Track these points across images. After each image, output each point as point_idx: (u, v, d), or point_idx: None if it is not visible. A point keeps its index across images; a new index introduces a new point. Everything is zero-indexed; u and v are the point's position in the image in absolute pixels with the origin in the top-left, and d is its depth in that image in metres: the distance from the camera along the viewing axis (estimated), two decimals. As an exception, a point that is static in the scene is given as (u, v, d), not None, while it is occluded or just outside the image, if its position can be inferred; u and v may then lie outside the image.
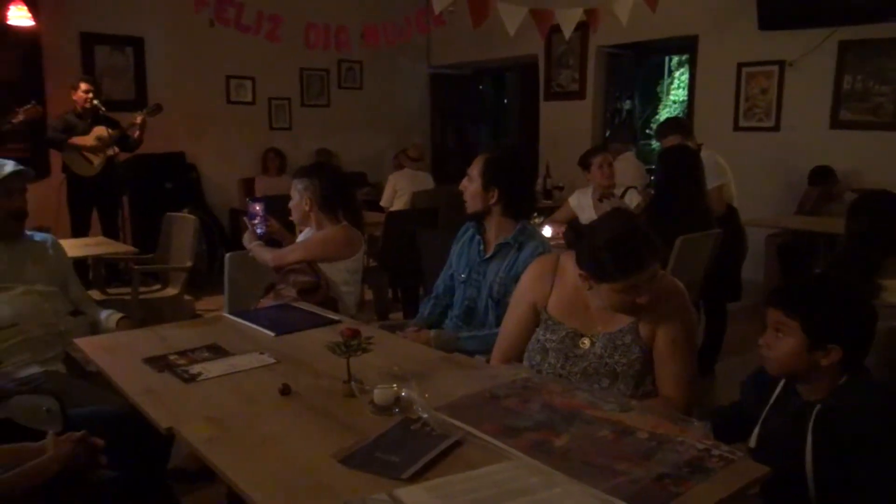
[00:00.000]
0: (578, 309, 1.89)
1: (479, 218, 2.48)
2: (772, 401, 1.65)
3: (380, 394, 1.53)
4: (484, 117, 9.30)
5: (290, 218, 3.01)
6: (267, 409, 1.57)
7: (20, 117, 4.58)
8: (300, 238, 2.95)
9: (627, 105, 7.63)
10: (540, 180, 6.60)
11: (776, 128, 5.76)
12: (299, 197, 2.82)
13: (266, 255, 2.82)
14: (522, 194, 2.47)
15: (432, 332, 2.37)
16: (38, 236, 2.61)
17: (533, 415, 1.47)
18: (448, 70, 8.48)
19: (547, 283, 1.96)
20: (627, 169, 5.06)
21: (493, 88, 9.34)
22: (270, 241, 2.99)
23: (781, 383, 1.65)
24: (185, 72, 6.60)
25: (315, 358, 1.89)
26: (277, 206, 3.17)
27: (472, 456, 1.33)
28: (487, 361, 2.09)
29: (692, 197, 3.53)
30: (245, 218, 2.99)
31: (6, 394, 1.97)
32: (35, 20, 5.44)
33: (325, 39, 5.69)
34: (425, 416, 1.45)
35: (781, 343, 1.56)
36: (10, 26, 5.36)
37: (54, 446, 1.53)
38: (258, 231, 2.93)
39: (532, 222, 2.70)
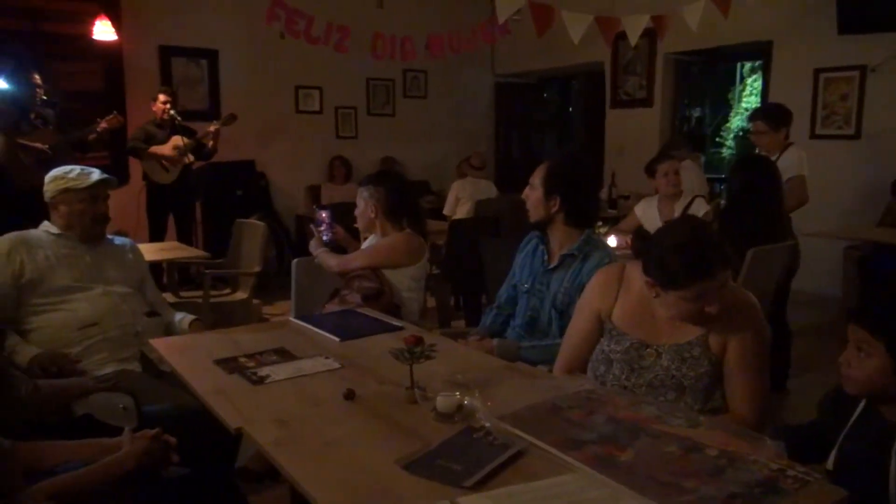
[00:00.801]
0: (644, 319, 1.85)
1: (542, 227, 2.46)
2: (851, 421, 1.57)
3: (443, 401, 1.53)
4: (549, 125, 9.24)
5: (355, 225, 3.06)
6: (332, 413, 1.60)
7: (103, 126, 4.80)
8: (365, 245, 3.00)
9: (697, 113, 7.45)
10: (605, 189, 6.51)
11: (857, 135, 5.52)
12: (365, 204, 2.86)
13: (332, 262, 2.88)
14: (585, 202, 2.44)
15: (495, 341, 2.36)
16: (118, 240, 2.73)
17: (597, 427, 1.44)
18: (513, 78, 8.47)
19: (612, 293, 1.92)
20: (690, 177, 4.94)
21: (558, 96, 9.27)
22: (336, 247, 3.04)
23: (862, 403, 1.57)
24: (257, 82, 6.81)
25: (378, 364, 1.91)
26: (343, 214, 3.23)
27: (534, 467, 1.32)
28: (550, 371, 2.07)
29: (768, 208, 3.42)
30: (312, 225, 3.06)
31: (87, 391, 2.06)
32: (118, 34, 5.71)
33: (391, 49, 5.76)
34: (488, 424, 1.45)
35: (864, 363, 1.49)
36: (94, 40, 5.64)
37: (130, 442, 1.59)
38: (324, 238, 2.98)
39: (597, 232, 2.66)
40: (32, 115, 4.54)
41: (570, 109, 9.22)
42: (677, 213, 3.86)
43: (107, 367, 2.37)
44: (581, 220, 2.41)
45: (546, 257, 2.44)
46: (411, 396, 1.63)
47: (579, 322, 1.98)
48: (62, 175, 2.47)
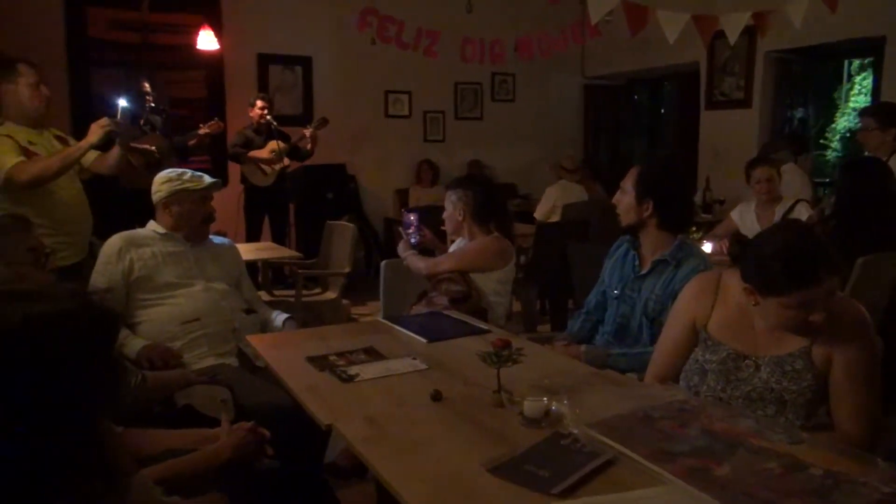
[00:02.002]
0: (742, 329, 1.77)
1: (634, 232, 2.40)
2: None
3: (530, 406, 1.52)
4: (639, 128, 9.02)
5: (443, 228, 3.09)
6: (419, 413, 1.61)
7: (204, 131, 5.05)
8: (452, 248, 3.01)
9: (799, 113, 7.09)
10: (699, 193, 6.29)
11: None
12: (453, 208, 2.88)
13: (419, 264, 2.91)
14: (678, 206, 2.37)
15: (583, 347, 2.32)
16: (218, 239, 2.86)
17: (691, 439, 1.39)
18: (602, 80, 8.32)
19: (708, 301, 1.85)
20: (792, 181, 4.70)
21: (650, 98, 9.03)
22: (423, 250, 3.08)
23: None
24: (348, 88, 6.98)
25: (465, 366, 1.91)
26: (430, 217, 3.26)
27: (623, 477, 1.28)
28: (640, 380, 2.02)
29: (879, 213, 3.21)
30: (400, 227, 3.10)
31: (188, 383, 2.17)
32: (220, 44, 5.99)
33: (480, 53, 5.78)
34: (576, 431, 1.42)
35: None
36: (198, 50, 5.94)
37: (228, 434, 1.66)
38: (412, 240, 3.02)
39: (690, 237, 2.57)
40: (142, 122, 4.83)
41: (662, 111, 8.97)
42: (777, 218, 3.69)
43: (206, 360, 2.48)
44: (674, 225, 2.34)
45: (637, 263, 2.38)
46: (498, 400, 1.62)
47: (672, 330, 1.92)
48: (176, 177, 2.61)
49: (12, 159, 2.79)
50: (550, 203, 5.72)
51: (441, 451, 1.42)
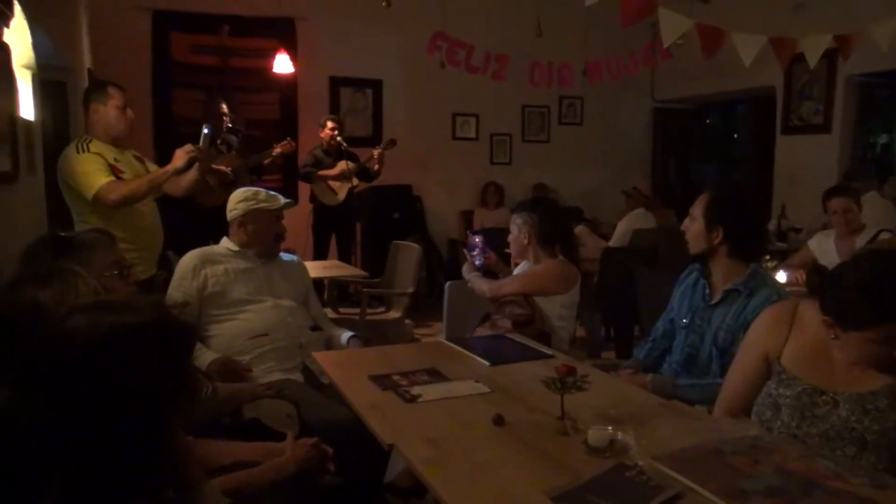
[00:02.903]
0: (820, 363, 1.70)
1: (704, 259, 2.34)
2: None
3: (594, 434, 1.49)
4: (710, 153, 8.81)
5: (507, 250, 3.08)
6: (481, 437, 1.60)
7: (277, 151, 5.21)
8: (517, 271, 3.00)
9: (883, 139, 6.79)
10: (773, 221, 6.08)
11: None
12: (518, 230, 2.87)
13: (483, 286, 2.91)
14: (750, 234, 2.30)
15: (649, 376, 2.27)
16: (286, 257, 2.93)
17: (764, 477, 1.34)
18: (673, 104, 8.19)
19: (782, 332, 1.78)
20: (875, 210, 4.49)
21: (722, 122, 8.82)
22: (488, 272, 3.08)
23: None
24: (416, 110, 7.09)
25: (528, 391, 1.89)
26: (495, 239, 3.26)
27: (692, 513, 1.24)
28: (709, 413, 1.95)
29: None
30: (465, 249, 3.11)
31: (256, 396, 2.22)
32: (294, 67, 6.19)
33: (548, 77, 5.79)
34: (641, 463, 1.39)
35: None
36: (274, 73, 6.15)
37: (292, 448, 1.69)
38: (477, 262, 3.03)
39: (764, 266, 2.49)
40: (219, 142, 5.02)
41: (735, 136, 8.74)
42: (858, 249, 3.52)
43: (273, 375, 2.53)
44: (747, 253, 2.27)
45: (707, 291, 2.31)
46: (562, 427, 1.60)
47: (744, 362, 1.85)
48: (252, 196, 2.71)
49: (103, 179, 2.94)
50: (622, 232, 5.60)
51: (503, 476, 1.41)
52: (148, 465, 0.93)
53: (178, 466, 0.97)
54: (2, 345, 1.00)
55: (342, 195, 5.75)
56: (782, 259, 4.03)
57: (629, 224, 5.47)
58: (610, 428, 1.51)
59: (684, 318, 2.35)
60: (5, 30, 2.22)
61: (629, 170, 7.94)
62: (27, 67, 2.80)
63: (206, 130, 3.39)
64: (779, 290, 2.24)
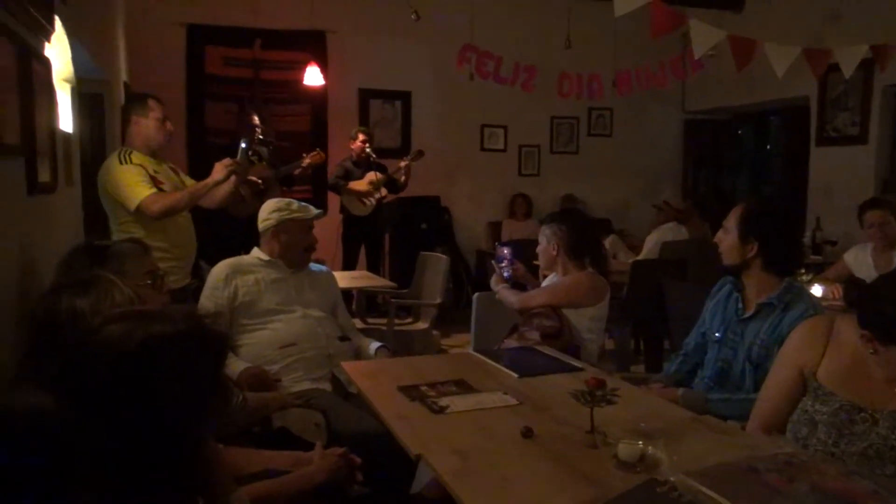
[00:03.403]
0: (858, 379, 1.66)
1: (737, 273, 2.30)
2: None
3: (624, 449, 1.47)
4: (742, 164, 8.69)
5: (535, 262, 3.07)
6: (509, 449, 1.59)
7: (307, 161, 5.26)
8: (545, 283, 2.99)
9: (921, 150, 6.63)
10: (808, 233, 5.97)
11: None
12: (547, 242, 2.86)
13: (512, 298, 2.90)
14: (785, 247, 2.26)
15: (680, 391, 2.23)
16: (315, 267, 2.95)
17: (800, 496, 1.30)
18: (704, 115, 8.11)
19: (818, 347, 1.75)
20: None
21: (754, 134, 8.70)
22: (516, 284, 3.06)
23: None
24: (445, 122, 7.11)
25: (557, 403, 1.88)
26: (523, 251, 3.25)
27: (725, 531, 1.22)
28: (742, 428, 1.92)
29: None
30: (493, 261, 3.11)
31: (285, 405, 2.24)
32: (325, 79, 6.26)
33: (577, 88, 5.78)
34: (673, 479, 1.36)
35: None
36: (305, 86, 6.23)
37: (321, 458, 1.70)
38: (505, 274, 3.02)
39: (799, 280, 2.44)
40: (250, 153, 5.09)
41: (768, 147, 8.62)
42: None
43: (301, 384, 2.55)
44: (781, 266, 2.23)
45: (741, 305, 2.27)
46: (591, 441, 1.58)
47: (779, 377, 1.82)
48: (284, 207, 2.74)
49: (146, 190, 3.00)
50: (652, 245, 5.52)
51: (531, 489, 1.39)
52: (179, 472, 0.94)
53: (209, 473, 0.98)
54: (44, 349, 1.02)
55: (371, 206, 5.78)
56: (817, 272, 3.95)
57: (659, 237, 5.40)
58: (640, 442, 1.49)
59: (717, 332, 2.31)
60: (46, 44, 2.28)
61: (659, 182, 7.87)
62: (67, 81, 2.87)
63: (243, 144, 3.47)
64: (814, 304, 2.20)
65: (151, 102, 3.21)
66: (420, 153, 5.90)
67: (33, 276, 1.97)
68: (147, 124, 3.17)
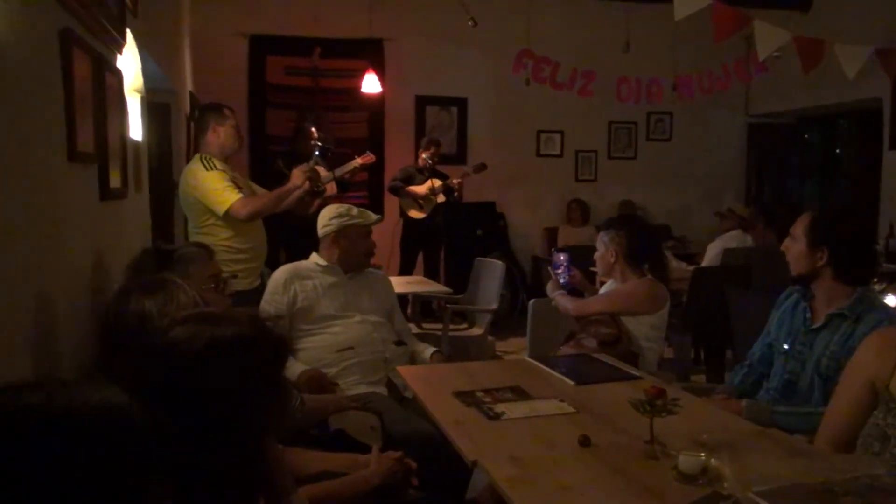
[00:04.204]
0: (934, 394, 1.58)
1: (806, 282, 2.22)
2: None
3: (686, 461, 1.43)
4: (810, 170, 8.38)
5: (592, 268, 3.02)
6: (566, 458, 1.57)
7: (359, 162, 5.33)
8: (603, 290, 2.94)
9: None
10: (881, 241, 5.71)
11: None
12: (605, 248, 2.82)
13: (568, 305, 2.86)
14: (858, 256, 2.17)
15: (744, 402, 2.16)
16: (372, 272, 2.98)
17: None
18: (768, 118, 7.87)
19: (891, 359, 1.67)
20: None
21: (822, 137, 8.39)
22: (572, 290, 3.03)
23: None
24: (501, 127, 7.10)
25: (614, 412, 1.84)
26: (579, 257, 3.21)
27: (793, 550, 1.17)
28: (809, 442, 1.84)
29: None
30: (549, 267, 3.08)
31: (342, 408, 2.26)
32: (382, 87, 6.33)
33: (636, 93, 5.70)
34: (738, 496, 1.32)
35: None
36: (362, 93, 6.32)
37: (377, 461, 1.71)
38: (562, 280, 2.98)
39: (872, 290, 2.34)
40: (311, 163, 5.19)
41: (837, 151, 8.30)
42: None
43: (358, 388, 2.58)
44: (853, 276, 2.14)
45: (809, 315, 2.19)
46: (651, 451, 1.55)
47: (849, 390, 1.74)
48: (345, 212, 2.78)
49: (235, 194, 3.14)
50: (714, 253, 5.37)
51: (589, 499, 1.37)
52: (242, 470, 0.96)
53: (270, 473, 1.00)
54: (113, 349, 1.06)
55: (428, 210, 5.82)
56: (891, 282, 3.77)
57: (722, 244, 5.25)
58: (703, 454, 1.44)
59: (784, 344, 2.23)
60: (119, 56, 2.37)
61: (721, 188, 7.67)
62: (137, 91, 2.98)
63: (317, 152, 3.62)
64: (889, 315, 2.11)
65: (227, 111, 3.36)
66: (482, 166, 5.92)
67: (105, 278, 2.05)
68: (224, 132, 3.31)
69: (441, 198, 5.76)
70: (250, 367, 0.97)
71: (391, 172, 6.06)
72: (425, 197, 5.78)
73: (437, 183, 5.69)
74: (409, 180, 5.85)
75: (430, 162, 5.74)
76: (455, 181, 5.77)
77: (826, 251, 2.13)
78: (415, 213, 5.83)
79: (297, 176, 3.30)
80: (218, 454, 0.93)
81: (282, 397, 1.03)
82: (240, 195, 3.16)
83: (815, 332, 2.15)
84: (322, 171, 5.04)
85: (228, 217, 3.13)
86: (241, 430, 0.95)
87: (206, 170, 3.18)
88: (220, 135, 3.30)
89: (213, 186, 3.14)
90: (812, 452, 1.70)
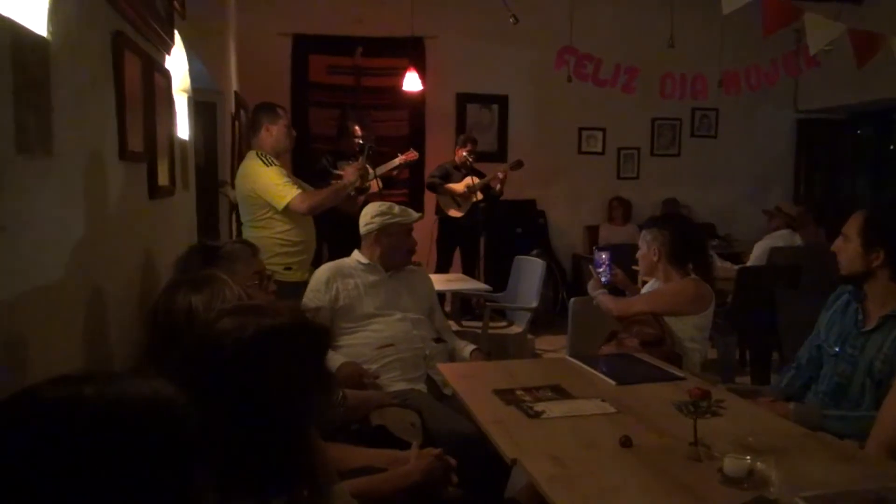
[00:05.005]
0: None
1: (858, 282, 2.15)
2: None
3: (731, 463, 1.41)
4: (862, 167, 8.12)
5: (634, 267, 2.98)
6: (607, 459, 1.56)
7: (401, 159, 5.36)
8: (646, 289, 2.91)
9: None
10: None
11: None
12: (647, 247, 2.78)
13: (610, 304, 2.83)
14: None
15: (792, 405, 2.11)
16: (413, 269, 2.99)
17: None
18: (818, 114, 7.65)
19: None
20: None
21: (876, 133, 8.12)
22: (614, 289, 3.00)
23: None
24: (542, 125, 7.06)
25: (657, 413, 1.82)
26: (621, 256, 3.17)
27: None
28: (860, 447, 1.79)
29: None
30: (591, 266, 3.05)
31: (382, 404, 2.28)
32: (423, 85, 6.35)
33: (680, 89, 5.60)
34: (785, 501, 1.29)
35: None
36: (403, 91, 6.35)
37: (417, 458, 1.72)
38: (603, 279, 2.95)
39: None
40: (353, 161, 5.25)
41: (892, 147, 8.02)
42: None
43: (398, 384, 2.59)
44: (911, 277, 2.06)
45: (861, 317, 2.12)
46: (694, 453, 1.52)
47: (902, 395, 1.69)
48: (387, 210, 2.80)
49: (294, 189, 3.27)
50: (761, 252, 5.23)
51: (630, 500, 1.36)
52: (285, 460, 0.97)
53: (313, 465, 1.01)
54: (162, 342, 1.09)
55: (466, 208, 5.82)
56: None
57: (770, 243, 5.11)
58: (748, 457, 1.42)
59: (834, 346, 2.17)
60: (167, 57, 2.43)
61: (769, 185, 7.49)
62: (184, 91, 3.05)
63: (363, 150, 3.74)
64: (946, 317, 2.03)
65: (280, 111, 3.48)
66: (520, 163, 5.89)
67: (154, 273, 2.10)
68: (277, 131, 3.43)
69: (479, 196, 5.74)
70: (294, 356, 0.99)
71: (431, 170, 6.07)
72: (463, 195, 5.78)
73: (475, 181, 5.68)
74: (447, 178, 5.85)
75: (469, 160, 5.73)
76: (496, 182, 5.75)
77: (882, 251, 2.06)
78: (453, 212, 5.83)
79: (351, 173, 3.45)
80: (262, 442, 0.95)
81: (325, 386, 1.05)
82: (298, 190, 3.27)
83: (867, 334, 2.09)
84: (368, 168, 5.10)
85: (287, 211, 3.25)
86: (284, 417, 0.97)
87: (266, 165, 3.30)
88: (272, 133, 3.42)
89: (274, 181, 3.26)
90: (864, 458, 1.65)
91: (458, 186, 5.80)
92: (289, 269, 3.29)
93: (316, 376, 1.02)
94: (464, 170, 5.81)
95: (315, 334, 1.06)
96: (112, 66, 1.70)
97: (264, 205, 3.29)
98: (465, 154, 5.75)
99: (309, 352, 1.03)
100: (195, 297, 1.44)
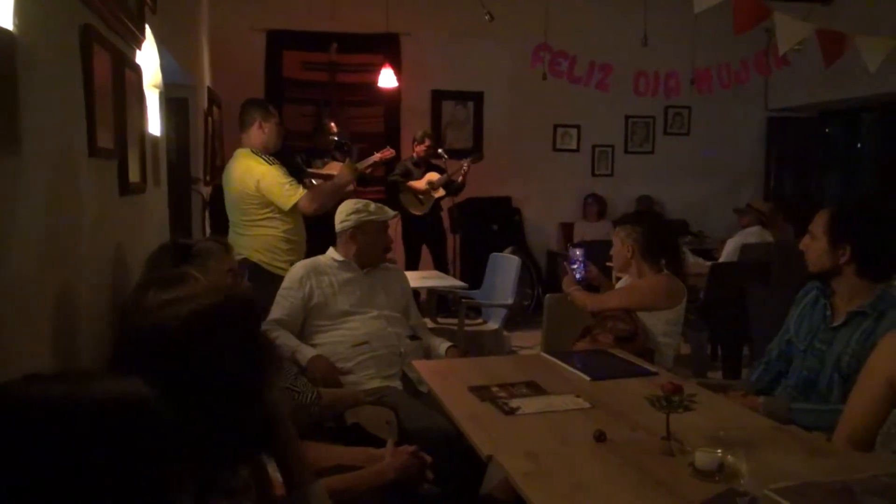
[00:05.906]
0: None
1: (825, 278, 2.19)
2: None
3: (702, 457, 1.43)
4: (832, 165, 8.27)
5: (608, 264, 3.01)
6: (581, 453, 1.57)
7: (377, 157, 5.34)
8: (619, 285, 2.93)
9: None
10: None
11: None
12: (621, 244, 2.80)
13: (585, 300, 2.85)
14: (883, 252, 2.13)
15: (761, 399, 2.15)
16: (387, 266, 2.98)
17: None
18: (789, 113, 7.78)
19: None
20: None
21: (845, 132, 8.28)
22: (588, 286, 3.02)
23: None
24: (517, 122, 7.08)
25: (630, 408, 1.84)
26: (596, 252, 3.20)
27: (811, 548, 1.16)
28: (828, 440, 1.83)
29: None
30: (565, 262, 3.07)
31: (357, 402, 2.28)
32: (399, 81, 6.33)
33: (653, 87, 5.66)
34: (755, 493, 1.31)
35: None
36: (379, 88, 6.32)
37: (392, 455, 1.72)
38: (577, 276, 2.97)
39: (893, 285, 2.31)
40: (328, 158, 5.23)
41: (859, 146, 8.19)
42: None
43: (372, 382, 2.58)
44: (877, 272, 2.10)
45: (829, 313, 2.16)
46: (666, 447, 1.54)
47: (867, 389, 1.73)
48: (363, 208, 2.78)
49: (300, 190, 3.30)
50: (732, 248, 5.30)
51: (604, 495, 1.37)
52: (240, 428, 1.00)
53: (270, 430, 1.05)
54: (133, 342, 1.09)
55: (428, 205, 5.81)
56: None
57: (741, 240, 5.18)
58: (719, 451, 1.44)
59: (803, 341, 2.21)
60: (138, 52, 2.39)
61: (740, 182, 7.60)
62: (155, 86, 3.01)
63: (349, 148, 3.80)
64: (912, 313, 2.07)
65: (271, 108, 3.50)
66: (479, 156, 5.90)
67: (125, 271, 2.07)
68: (269, 129, 3.43)
69: (440, 192, 5.75)
70: (228, 328, 1.04)
71: (396, 165, 6.04)
72: (425, 192, 5.78)
73: (435, 177, 5.68)
74: (407, 175, 5.84)
75: (426, 154, 5.74)
76: (458, 175, 5.74)
77: (848, 248, 2.09)
78: (415, 210, 5.81)
79: (347, 173, 3.52)
80: (216, 412, 0.97)
81: (266, 353, 1.09)
82: (303, 190, 3.30)
83: (835, 329, 2.13)
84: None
85: (293, 210, 3.28)
86: (231, 386, 1.01)
87: (269, 164, 3.31)
88: (265, 131, 3.42)
89: (280, 181, 3.28)
90: (831, 450, 1.68)
91: (420, 184, 5.79)
92: (292, 265, 3.31)
93: (252, 340, 1.07)
94: (424, 166, 5.81)
95: (241, 302, 1.11)
96: (81, 61, 1.66)
97: (266, 203, 3.30)
98: (426, 148, 5.75)
99: (239, 320, 1.08)
100: (166, 295, 1.43)
